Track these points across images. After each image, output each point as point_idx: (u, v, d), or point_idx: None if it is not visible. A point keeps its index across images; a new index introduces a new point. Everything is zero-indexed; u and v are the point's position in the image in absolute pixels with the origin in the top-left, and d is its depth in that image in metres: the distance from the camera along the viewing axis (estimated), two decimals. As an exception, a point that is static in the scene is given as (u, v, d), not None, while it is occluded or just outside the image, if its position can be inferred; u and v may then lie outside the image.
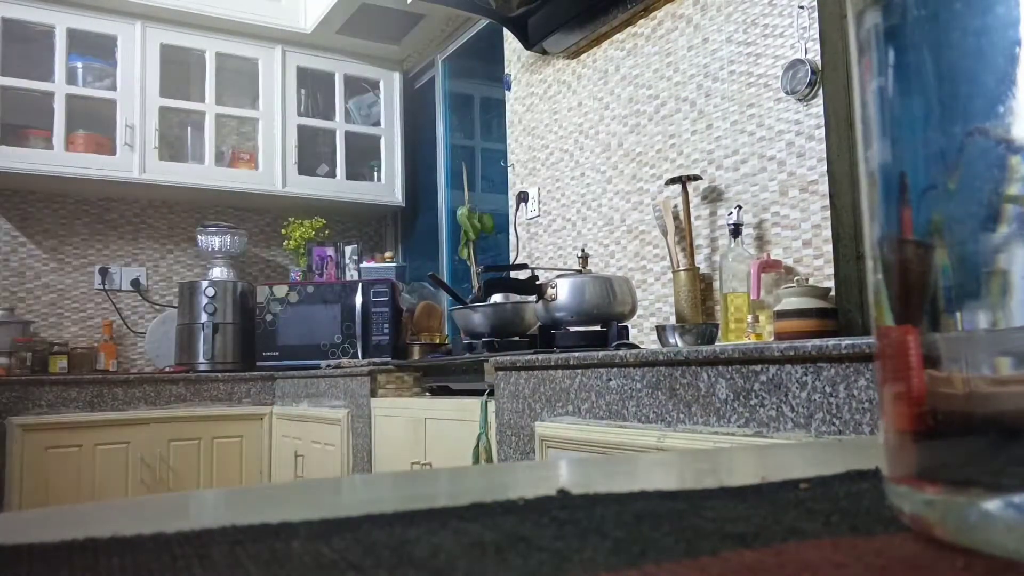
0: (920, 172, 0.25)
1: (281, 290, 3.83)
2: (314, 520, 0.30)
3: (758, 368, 1.41)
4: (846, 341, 1.26)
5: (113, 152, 3.89)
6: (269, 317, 3.81)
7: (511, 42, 3.50)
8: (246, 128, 4.47)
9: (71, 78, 3.89)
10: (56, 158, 3.77)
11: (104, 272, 4.23)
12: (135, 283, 4.29)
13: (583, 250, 2.65)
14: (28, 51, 3.86)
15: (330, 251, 4.36)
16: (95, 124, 3.91)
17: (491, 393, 2.21)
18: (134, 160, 3.91)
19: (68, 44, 3.86)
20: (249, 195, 4.30)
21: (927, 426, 0.25)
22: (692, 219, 2.54)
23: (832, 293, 2.06)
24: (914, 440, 0.26)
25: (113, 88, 3.95)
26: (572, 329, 2.46)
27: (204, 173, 4.11)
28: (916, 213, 0.25)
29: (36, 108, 3.82)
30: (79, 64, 3.94)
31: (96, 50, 3.98)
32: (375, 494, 0.42)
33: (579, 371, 1.85)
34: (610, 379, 1.75)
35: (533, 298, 2.47)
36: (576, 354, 1.87)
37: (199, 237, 4.16)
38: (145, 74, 3.98)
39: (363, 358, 3.59)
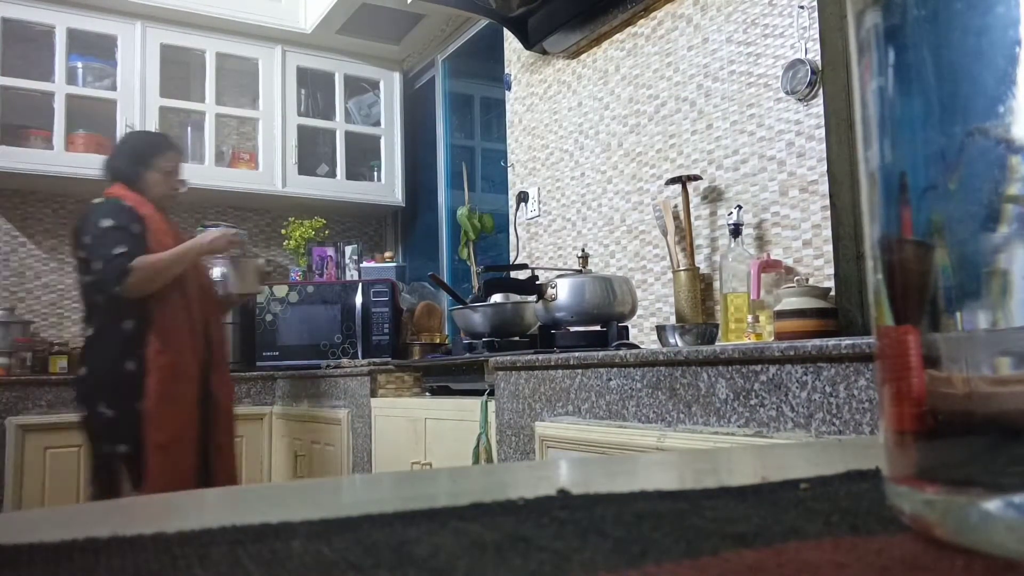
0: (920, 172, 0.25)
1: (281, 290, 3.83)
2: (314, 520, 0.30)
3: (758, 368, 1.41)
4: (846, 341, 1.26)
5: (113, 152, 3.89)
6: (269, 317, 3.81)
7: (511, 42, 3.50)
8: (246, 128, 4.48)
9: (71, 78, 3.89)
10: (56, 158, 3.77)
11: (104, 272, 4.22)
12: (135, 283, 4.28)
13: (583, 250, 2.65)
14: (28, 51, 3.86)
15: (330, 251, 4.37)
16: (95, 124, 3.91)
17: (491, 393, 2.21)
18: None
19: (68, 44, 3.86)
20: (249, 195, 4.30)
21: (927, 426, 0.25)
22: (692, 219, 2.54)
23: (832, 293, 2.06)
24: (914, 440, 0.26)
25: (113, 88, 3.94)
26: (572, 329, 2.45)
27: (204, 173, 4.10)
28: (916, 213, 0.25)
29: (36, 108, 3.82)
30: (79, 64, 3.94)
31: (96, 50, 3.98)
32: (375, 494, 0.42)
33: (579, 371, 1.85)
34: (610, 379, 1.75)
35: (533, 298, 2.47)
36: (576, 354, 1.87)
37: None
38: (145, 74, 3.98)
39: (363, 358, 3.58)
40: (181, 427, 2.63)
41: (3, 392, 3.32)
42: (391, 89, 4.63)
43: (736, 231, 2.30)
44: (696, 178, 2.54)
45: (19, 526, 0.34)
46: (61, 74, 3.83)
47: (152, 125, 3.95)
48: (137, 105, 3.94)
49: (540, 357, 1.98)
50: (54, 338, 4.07)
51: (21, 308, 4.02)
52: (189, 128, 4.24)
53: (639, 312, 2.65)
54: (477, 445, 2.23)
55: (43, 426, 3.34)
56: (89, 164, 3.82)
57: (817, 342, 1.31)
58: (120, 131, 3.88)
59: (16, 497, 3.26)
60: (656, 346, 2.31)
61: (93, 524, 0.33)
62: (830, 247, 2.12)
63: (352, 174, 4.51)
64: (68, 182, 3.91)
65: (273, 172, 4.26)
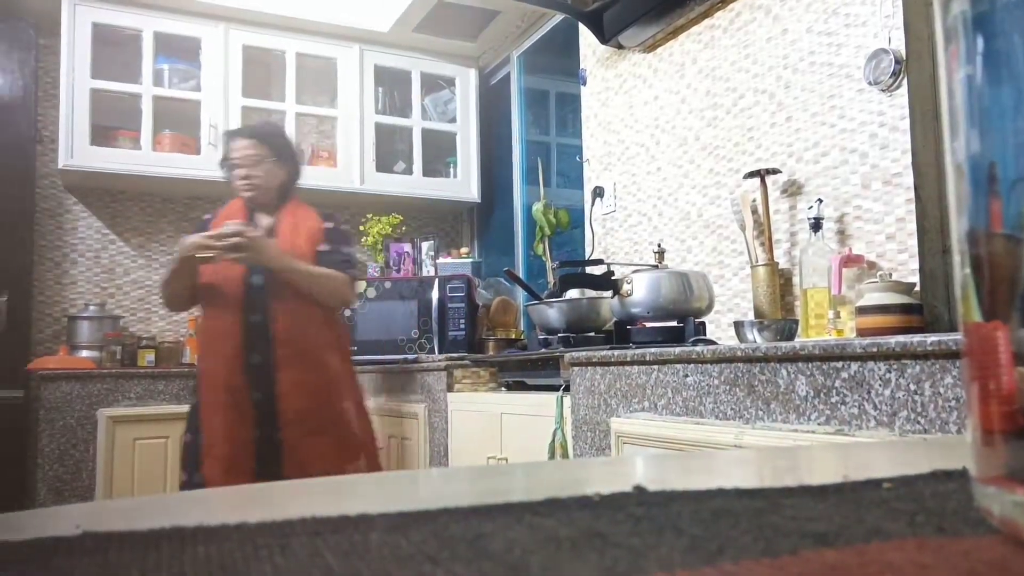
0: (1011, 163, 0.24)
1: (360, 286, 3.88)
2: (392, 513, 0.30)
3: (839, 365, 1.38)
4: (932, 338, 1.23)
5: (198, 152, 4.00)
6: (348, 313, 3.87)
7: (586, 37, 3.49)
8: (325, 126, 4.55)
9: (158, 80, 4.01)
10: (144, 158, 3.89)
11: (189, 268, 4.34)
12: (219, 279, 4.39)
13: (659, 245, 2.63)
14: (117, 54, 3.98)
15: (407, 247, 4.41)
16: (180, 124, 4.02)
17: (567, 388, 2.21)
18: (218, 159, 4.00)
19: (155, 47, 3.97)
20: (328, 192, 4.37)
21: (1017, 425, 0.24)
22: (771, 213, 2.50)
23: (917, 288, 2.01)
24: (1004, 440, 0.25)
25: (198, 89, 4.05)
26: (648, 325, 2.44)
27: (285, 171, 4.18)
28: (1006, 205, 0.24)
29: (125, 110, 3.94)
30: (165, 66, 4.05)
31: (181, 52, 4.09)
32: (452, 488, 0.43)
33: (655, 367, 1.83)
34: (687, 375, 1.74)
35: (609, 293, 2.46)
36: (652, 350, 1.86)
37: (280, 234, 4.23)
38: (228, 75, 4.07)
39: (440, 353, 3.62)
40: (226, 427, 2.54)
41: (94, 385, 3.44)
42: (467, 86, 4.65)
43: (816, 225, 2.26)
44: (775, 171, 2.50)
45: (110, 515, 0.35)
46: (148, 76, 3.94)
47: (234, 124, 4.04)
48: (220, 105, 4.04)
49: (616, 353, 1.97)
50: (142, 332, 4.20)
51: (111, 303, 4.15)
52: (270, 127, 4.33)
53: (716, 308, 2.62)
54: (553, 440, 2.23)
55: (132, 417, 3.45)
56: (175, 163, 3.94)
57: (901, 339, 1.28)
58: (205, 131, 3.99)
59: (107, 486, 3.37)
60: (734, 342, 2.28)
61: (180, 514, 0.34)
62: (914, 241, 2.06)
63: (428, 171, 4.55)
64: (155, 181, 4.03)
65: (351, 169, 4.32)
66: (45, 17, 3.97)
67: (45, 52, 4.11)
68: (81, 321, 3.91)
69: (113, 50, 3.97)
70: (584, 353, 2.11)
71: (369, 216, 4.42)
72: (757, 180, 2.50)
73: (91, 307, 4.00)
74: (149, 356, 4.01)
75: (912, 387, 1.25)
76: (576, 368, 2.14)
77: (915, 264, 2.06)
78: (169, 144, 3.99)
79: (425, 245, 4.41)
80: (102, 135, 3.91)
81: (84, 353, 3.84)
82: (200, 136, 4.00)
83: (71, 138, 3.77)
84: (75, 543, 0.27)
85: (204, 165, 3.98)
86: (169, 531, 0.28)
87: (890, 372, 1.29)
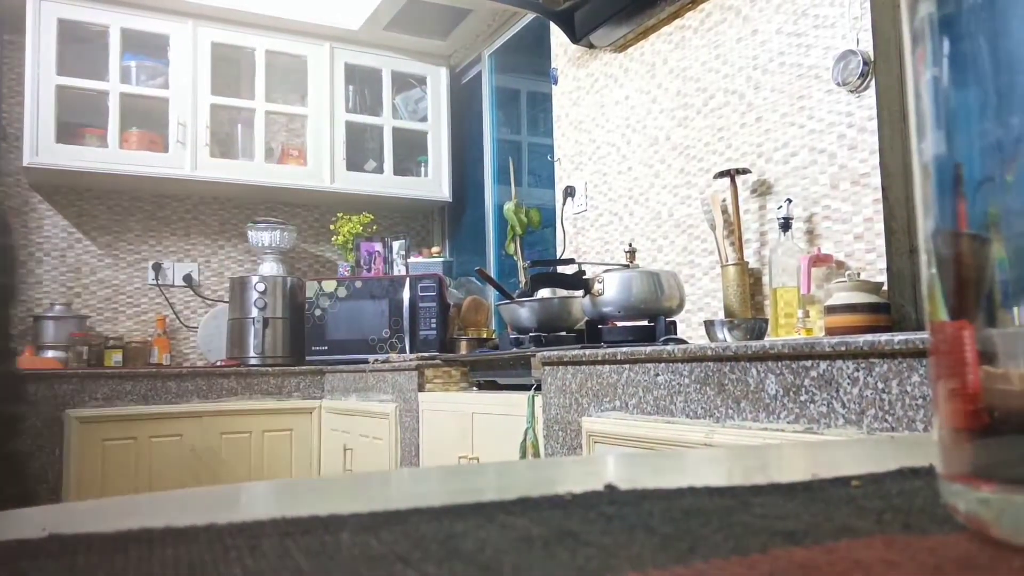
0: (976, 164, 0.25)
1: (330, 285, 3.86)
2: (363, 513, 0.30)
3: (808, 364, 1.40)
4: (899, 336, 1.24)
5: (166, 149, 3.96)
6: (318, 312, 3.85)
7: (558, 36, 3.49)
8: (295, 125, 4.52)
9: (125, 77, 3.96)
10: (111, 156, 3.84)
11: (157, 267, 4.30)
12: (187, 278, 4.36)
13: (630, 244, 2.63)
14: (83, 51, 3.94)
15: (378, 246, 4.39)
16: (148, 122, 3.98)
17: (538, 388, 2.21)
18: (186, 157, 3.97)
19: (122, 44, 3.93)
20: (298, 191, 4.35)
21: (983, 423, 0.25)
22: (741, 213, 2.52)
23: (884, 288, 2.03)
24: (969, 437, 0.25)
25: (166, 86, 4.01)
26: (619, 324, 2.45)
27: (254, 170, 4.16)
28: (972, 206, 0.25)
29: (91, 107, 3.90)
30: (133, 63, 4.01)
31: (149, 49, 4.05)
32: (423, 488, 0.42)
33: (626, 366, 1.84)
34: (658, 374, 1.74)
35: (580, 293, 2.46)
36: (623, 349, 1.86)
37: (249, 233, 4.21)
38: (197, 72, 4.04)
39: (411, 352, 3.61)
40: None
41: (61, 385, 3.39)
42: (438, 85, 4.64)
43: (786, 225, 2.27)
44: (745, 171, 2.52)
45: (77, 516, 0.35)
46: (115, 73, 3.90)
47: (203, 122, 4.01)
48: (189, 103, 4.00)
49: (587, 352, 1.98)
50: (109, 332, 4.15)
51: (77, 303, 4.11)
52: (239, 125, 4.30)
53: (687, 307, 2.63)
54: (524, 440, 2.23)
55: (100, 418, 3.40)
56: (142, 161, 3.90)
57: (869, 337, 1.29)
58: (173, 129, 3.95)
59: (73, 488, 3.33)
60: (704, 341, 2.30)
61: (148, 515, 0.34)
62: (882, 241, 2.09)
63: (400, 170, 4.54)
64: (122, 179, 3.99)
65: (322, 168, 4.30)
66: (10, 12, 3.92)
67: (10, 48, 4.06)
68: (47, 321, 3.87)
69: (79, 46, 3.92)
70: (556, 352, 2.12)
71: (340, 215, 4.40)
72: (727, 180, 2.52)
73: (57, 307, 3.95)
74: (116, 356, 3.97)
75: (880, 385, 1.26)
76: (548, 367, 2.14)
77: (883, 264, 2.08)
78: (136, 142, 3.95)
79: (396, 244, 4.40)
80: (68, 132, 3.86)
81: (50, 353, 3.79)
82: (168, 134, 3.96)
83: (36, 135, 3.72)
84: (41, 546, 0.27)
85: (172, 163, 3.94)
86: (137, 533, 0.28)
87: (858, 371, 1.30)
